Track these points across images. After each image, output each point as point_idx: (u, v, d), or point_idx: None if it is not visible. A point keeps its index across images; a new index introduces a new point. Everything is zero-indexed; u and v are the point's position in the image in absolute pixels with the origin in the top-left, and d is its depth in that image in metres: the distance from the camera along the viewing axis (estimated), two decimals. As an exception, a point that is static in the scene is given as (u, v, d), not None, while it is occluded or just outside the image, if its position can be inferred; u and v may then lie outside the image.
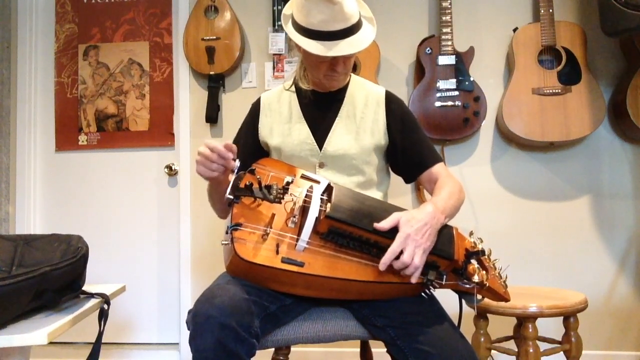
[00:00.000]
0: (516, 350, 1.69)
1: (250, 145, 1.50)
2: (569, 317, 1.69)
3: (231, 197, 1.17)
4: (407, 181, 1.49)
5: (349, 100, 1.46)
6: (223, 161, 1.20)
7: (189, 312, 1.15)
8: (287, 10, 1.41)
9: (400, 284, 1.15)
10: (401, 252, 1.10)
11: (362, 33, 1.34)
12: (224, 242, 1.17)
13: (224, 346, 1.05)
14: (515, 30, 2.30)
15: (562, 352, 1.71)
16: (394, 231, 1.12)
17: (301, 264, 1.12)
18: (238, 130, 1.57)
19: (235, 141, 1.56)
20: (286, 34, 2.45)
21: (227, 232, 1.16)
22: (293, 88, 1.50)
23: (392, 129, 1.44)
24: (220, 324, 1.05)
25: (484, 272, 1.16)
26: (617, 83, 2.33)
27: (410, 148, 1.44)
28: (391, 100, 1.47)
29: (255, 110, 1.52)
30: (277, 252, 1.13)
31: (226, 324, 1.05)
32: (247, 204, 1.19)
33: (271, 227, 1.17)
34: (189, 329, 1.12)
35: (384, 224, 1.12)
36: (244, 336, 1.07)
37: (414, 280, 1.11)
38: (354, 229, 1.12)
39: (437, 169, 1.42)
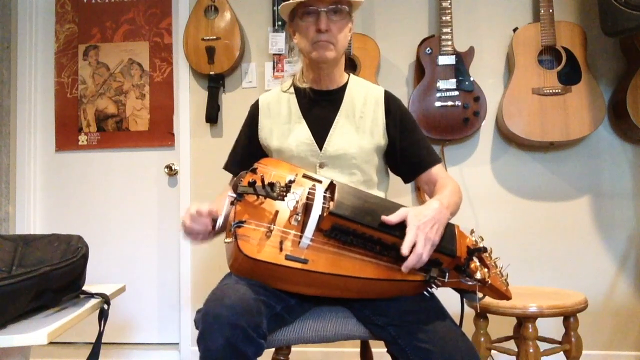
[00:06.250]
0: (516, 350, 1.69)
1: (251, 148, 1.51)
2: (569, 317, 1.69)
3: (234, 195, 1.17)
4: (405, 181, 1.50)
5: (348, 99, 1.46)
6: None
7: (198, 311, 1.14)
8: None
9: (402, 282, 1.15)
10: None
11: None
12: (226, 241, 1.17)
13: (234, 346, 1.04)
14: (515, 30, 2.30)
15: (562, 352, 1.71)
16: (399, 227, 1.11)
17: (305, 261, 1.12)
18: (238, 134, 1.57)
19: (235, 144, 1.56)
20: (286, 34, 2.49)
21: (230, 230, 1.16)
22: (292, 89, 1.51)
23: (391, 129, 1.44)
24: (230, 324, 1.04)
25: (486, 269, 1.16)
26: (617, 83, 2.33)
27: (409, 148, 1.45)
28: (390, 101, 1.47)
29: (254, 113, 1.52)
30: (281, 249, 1.13)
31: (236, 323, 1.04)
32: (250, 202, 1.19)
33: (275, 224, 1.16)
34: (197, 328, 1.11)
35: (392, 218, 1.11)
36: (253, 336, 1.06)
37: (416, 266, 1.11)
38: (357, 226, 1.12)
39: (436, 170, 1.43)
